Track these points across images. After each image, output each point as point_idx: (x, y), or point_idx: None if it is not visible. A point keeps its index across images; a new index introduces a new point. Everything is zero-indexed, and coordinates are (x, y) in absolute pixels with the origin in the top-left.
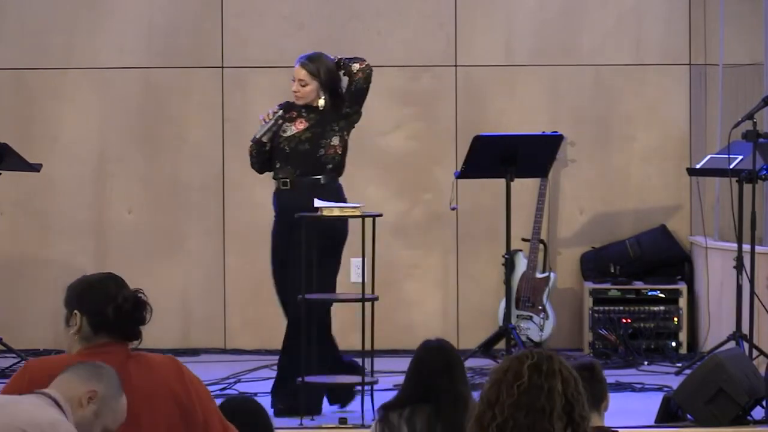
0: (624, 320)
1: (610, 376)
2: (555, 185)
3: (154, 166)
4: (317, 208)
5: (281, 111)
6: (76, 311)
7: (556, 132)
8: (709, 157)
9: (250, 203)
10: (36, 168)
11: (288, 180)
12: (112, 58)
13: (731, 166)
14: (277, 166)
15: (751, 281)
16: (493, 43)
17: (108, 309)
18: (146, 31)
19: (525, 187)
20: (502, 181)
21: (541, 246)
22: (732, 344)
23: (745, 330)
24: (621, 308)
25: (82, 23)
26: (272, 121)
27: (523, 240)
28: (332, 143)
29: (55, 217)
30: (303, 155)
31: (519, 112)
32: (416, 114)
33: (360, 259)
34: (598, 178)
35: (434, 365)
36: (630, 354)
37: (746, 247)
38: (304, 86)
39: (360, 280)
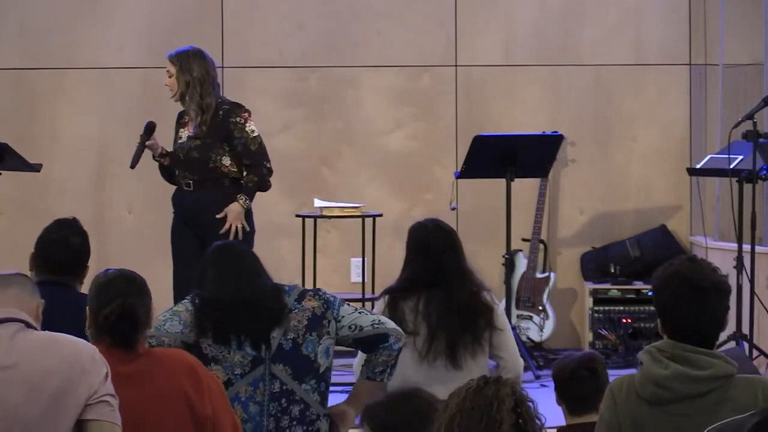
0: (624, 320)
1: (610, 376)
2: (555, 185)
3: (154, 166)
4: (318, 208)
5: (144, 135)
6: (88, 307)
7: (556, 132)
8: (709, 157)
9: None
10: (36, 168)
11: (190, 182)
12: (112, 58)
13: (731, 166)
14: (176, 173)
15: (751, 281)
16: (493, 43)
17: (100, 315)
18: (146, 30)
19: (525, 187)
20: (502, 181)
21: (541, 246)
22: (732, 344)
23: (746, 330)
24: (621, 308)
25: (82, 23)
26: (139, 146)
27: (523, 240)
28: (223, 162)
29: (55, 217)
30: (195, 162)
31: (519, 112)
32: (416, 114)
33: (360, 259)
34: (598, 178)
35: (438, 243)
36: (630, 354)
37: (746, 247)
38: (170, 77)
39: (360, 280)
